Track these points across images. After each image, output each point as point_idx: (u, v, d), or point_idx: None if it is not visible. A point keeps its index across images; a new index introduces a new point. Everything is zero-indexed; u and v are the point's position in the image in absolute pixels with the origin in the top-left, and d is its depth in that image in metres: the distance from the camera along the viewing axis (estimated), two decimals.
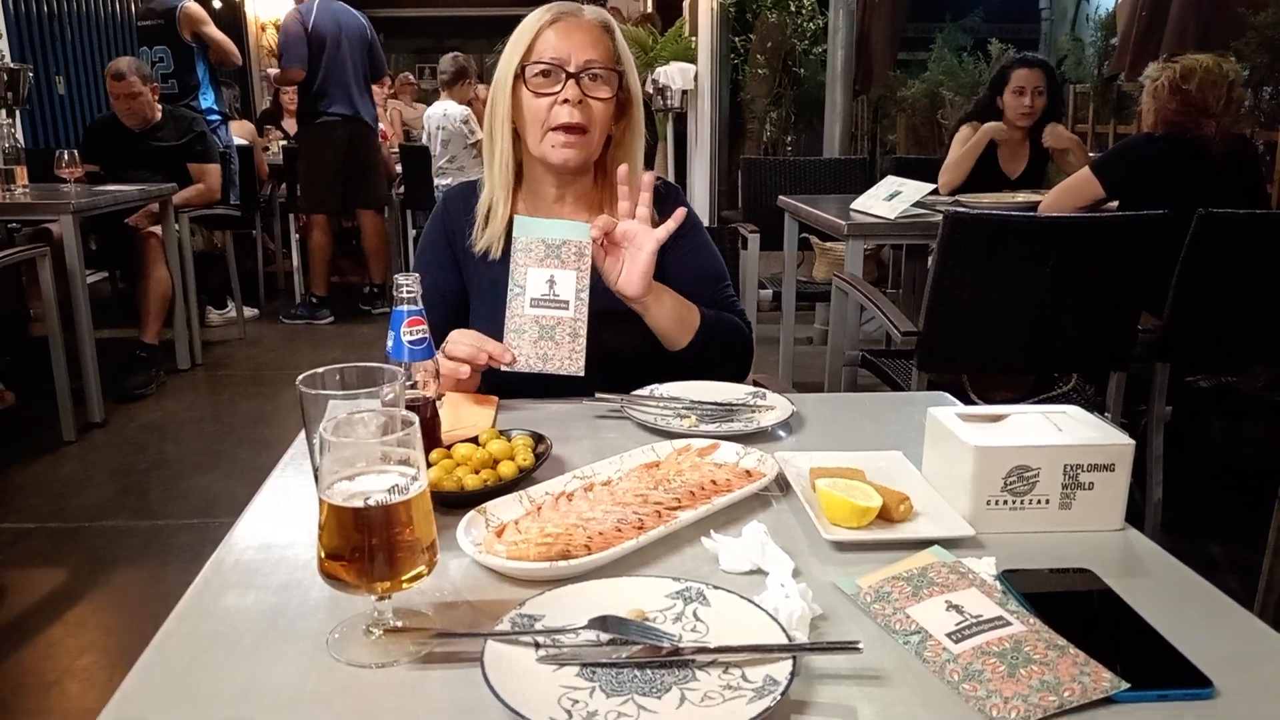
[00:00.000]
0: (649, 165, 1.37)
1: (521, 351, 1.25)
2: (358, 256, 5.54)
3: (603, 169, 1.43)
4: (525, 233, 1.26)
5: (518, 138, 1.38)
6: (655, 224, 1.27)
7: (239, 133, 5.48)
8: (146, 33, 4.83)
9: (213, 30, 4.84)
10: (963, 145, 3.39)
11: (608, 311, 1.28)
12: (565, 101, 1.31)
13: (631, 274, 1.25)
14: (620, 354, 1.32)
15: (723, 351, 1.40)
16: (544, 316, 1.25)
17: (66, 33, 5.98)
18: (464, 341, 1.22)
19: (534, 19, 1.34)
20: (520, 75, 1.33)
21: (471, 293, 1.44)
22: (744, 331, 1.44)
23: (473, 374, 1.22)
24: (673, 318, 1.32)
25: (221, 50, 4.89)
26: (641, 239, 1.24)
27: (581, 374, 1.25)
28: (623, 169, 1.29)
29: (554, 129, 1.32)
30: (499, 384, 1.28)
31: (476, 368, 1.22)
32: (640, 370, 1.31)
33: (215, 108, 4.96)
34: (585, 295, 1.25)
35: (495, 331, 1.25)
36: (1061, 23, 7.14)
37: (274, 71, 5.63)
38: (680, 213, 1.28)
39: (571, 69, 1.31)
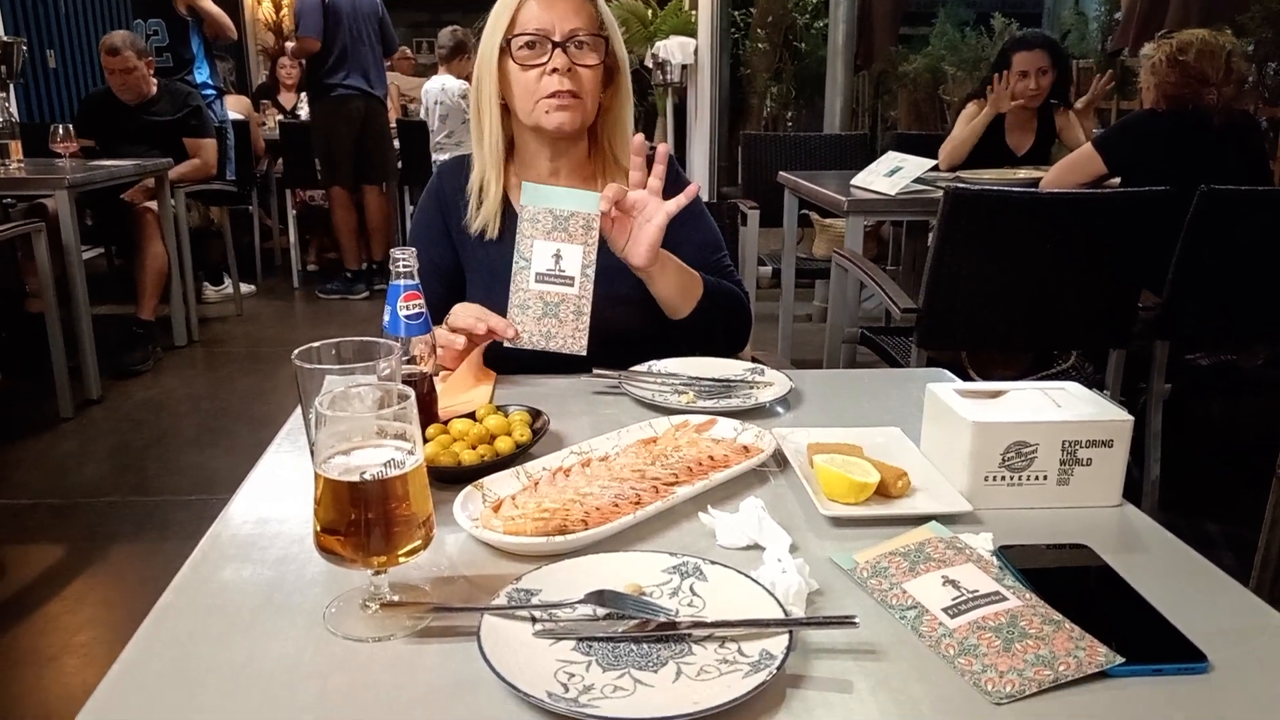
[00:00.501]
0: (648, 139, 1.35)
1: (525, 328, 1.23)
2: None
3: (595, 139, 1.42)
4: (533, 201, 1.23)
5: (506, 112, 1.36)
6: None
7: (235, 108, 5.44)
8: (141, 5, 4.78)
9: (208, 4, 4.79)
10: (968, 123, 3.37)
11: (610, 294, 1.27)
12: (554, 71, 1.29)
13: (639, 244, 1.24)
14: (621, 335, 1.31)
15: (723, 320, 1.40)
16: (549, 292, 1.23)
17: (60, 5, 5.92)
18: (467, 314, 1.21)
19: None
20: (505, 49, 1.31)
21: (467, 269, 1.43)
22: (743, 300, 1.44)
23: (468, 346, 1.21)
24: (677, 286, 1.32)
25: (217, 24, 4.84)
26: (651, 210, 1.23)
27: (584, 353, 1.24)
28: (637, 139, 1.28)
29: (545, 97, 1.31)
30: (498, 360, 1.28)
31: (475, 340, 1.21)
32: (640, 349, 1.31)
33: (210, 82, 4.91)
34: (591, 272, 1.23)
35: (491, 309, 1.24)
36: None
37: (291, 45, 5.59)
38: (693, 188, 1.28)
39: (557, 38, 1.29)
